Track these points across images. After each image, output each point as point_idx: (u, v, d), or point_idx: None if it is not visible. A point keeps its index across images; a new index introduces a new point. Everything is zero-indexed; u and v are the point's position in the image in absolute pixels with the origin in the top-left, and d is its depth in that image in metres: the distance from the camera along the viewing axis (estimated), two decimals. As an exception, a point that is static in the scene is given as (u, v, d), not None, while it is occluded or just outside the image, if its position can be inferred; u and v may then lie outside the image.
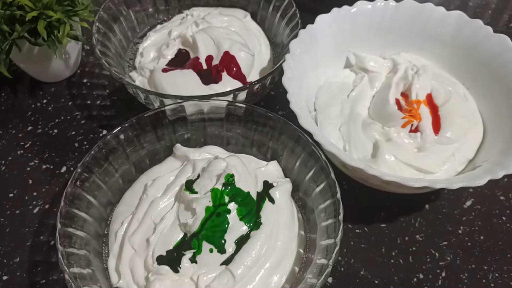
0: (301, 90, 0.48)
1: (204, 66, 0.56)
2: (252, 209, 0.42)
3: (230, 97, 0.49)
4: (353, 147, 0.47)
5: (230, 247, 0.40)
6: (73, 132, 0.57)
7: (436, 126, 0.48)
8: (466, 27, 0.51)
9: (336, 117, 0.50)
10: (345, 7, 0.52)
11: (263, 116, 0.46)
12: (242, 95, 0.50)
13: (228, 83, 0.53)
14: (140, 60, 0.59)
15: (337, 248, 0.37)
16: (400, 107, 0.48)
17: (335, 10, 0.52)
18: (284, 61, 0.47)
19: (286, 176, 0.47)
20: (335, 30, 0.52)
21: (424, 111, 0.48)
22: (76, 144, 0.55)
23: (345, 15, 0.52)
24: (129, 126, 0.45)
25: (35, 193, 0.51)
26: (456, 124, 0.47)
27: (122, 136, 0.45)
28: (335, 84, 0.53)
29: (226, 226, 0.40)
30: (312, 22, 0.51)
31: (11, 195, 0.51)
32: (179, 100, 0.47)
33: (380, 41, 0.54)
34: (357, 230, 0.48)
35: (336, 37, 0.52)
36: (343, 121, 0.49)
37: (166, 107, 0.46)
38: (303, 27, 0.51)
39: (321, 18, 0.51)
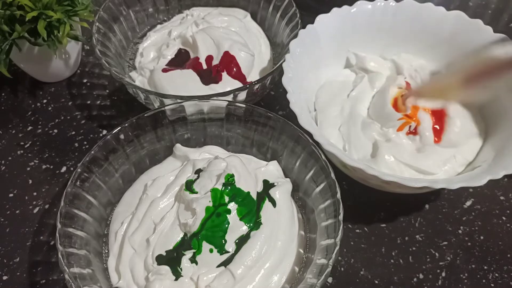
0: (301, 90, 0.48)
1: (204, 66, 0.56)
2: (252, 209, 0.42)
3: (230, 97, 0.49)
4: (353, 147, 0.47)
5: (230, 247, 0.40)
6: (73, 132, 0.57)
7: (438, 129, 0.48)
8: (466, 27, 0.50)
9: (336, 117, 0.50)
10: (345, 7, 0.52)
11: (263, 116, 0.46)
12: (242, 95, 0.50)
13: (228, 83, 0.53)
14: (140, 60, 0.59)
15: (337, 248, 0.37)
16: (397, 108, 0.48)
17: (335, 10, 0.52)
18: (284, 61, 0.47)
19: (286, 176, 0.47)
20: (335, 30, 0.52)
21: (424, 114, 0.48)
22: (76, 144, 0.55)
23: (345, 15, 0.52)
24: (129, 126, 0.45)
25: (35, 193, 0.51)
26: (458, 126, 0.47)
27: (122, 136, 0.45)
28: (335, 84, 0.53)
29: (226, 226, 0.40)
30: (312, 22, 0.51)
31: (11, 195, 0.51)
32: (179, 100, 0.47)
33: (381, 41, 0.54)
34: (357, 230, 0.48)
35: (336, 37, 0.52)
36: (343, 121, 0.49)
37: (166, 107, 0.46)
38: (303, 27, 0.51)
39: (321, 18, 0.51)
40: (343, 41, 0.53)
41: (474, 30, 0.50)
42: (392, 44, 0.54)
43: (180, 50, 0.59)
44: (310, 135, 0.42)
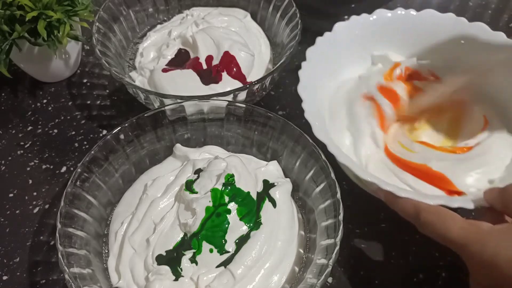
0: (316, 98, 0.46)
1: (204, 66, 0.56)
2: (252, 209, 0.42)
3: (230, 97, 0.49)
4: (360, 142, 0.47)
5: (230, 247, 0.40)
6: (73, 132, 0.57)
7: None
8: (488, 39, 0.48)
9: (345, 115, 0.49)
10: (364, 15, 0.51)
11: (263, 116, 0.46)
12: (242, 95, 0.50)
13: (228, 83, 0.53)
14: (140, 60, 0.59)
15: (337, 248, 0.37)
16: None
17: (353, 17, 0.51)
18: (300, 69, 0.46)
19: (286, 176, 0.47)
20: (353, 38, 0.51)
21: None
22: (76, 144, 0.55)
23: (364, 23, 0.51)
24: (129, 126, 0.45)
25: (35, 193, 0.51)
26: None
27: (122, 136, 0.45)
28: (348, 85, 0.52)
29: (226, 226, 0.40)
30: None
31: (11, 195, 0.51)
32: (179, 100, 0.47)
33: (400, 50, 0.53)
34: (357, 230, 0.48)
35: (354, 45, 0.51)
36: (352, 118, 0.48)
37: (166, 107, 0.46)
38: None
39: (339, 26, 0.50)
40: (361, 50, 0.52)
41: (496, 42, 0.48)
42: (412, 55, 0.53)
43: (180, 50, 0.59)
44: (310, 135, 0.42)
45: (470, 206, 0.37)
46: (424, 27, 0.51)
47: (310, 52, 0.48)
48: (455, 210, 0.36)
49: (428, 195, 0.38)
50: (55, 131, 0.57)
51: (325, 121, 0.48)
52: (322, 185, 0.42)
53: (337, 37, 0.50)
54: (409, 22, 0.51)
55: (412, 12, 0.51)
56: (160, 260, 0.40)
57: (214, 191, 0.41)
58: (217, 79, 0.54)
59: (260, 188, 0.44)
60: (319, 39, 0.49)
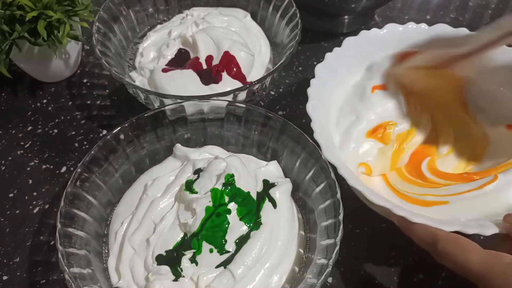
0: (326, 116, 0.45)
1: (204, 66, 0.56)
2: (252, 209, 0.42)
3: (230, 97, 0.49)
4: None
5: (230, 247, 0.40)
6: (73, 132, 0.57)
7: None
8: (501, 54, 0.47)
9: (349, 111, 0.48)
10: (374, 29, 0.50)
11: (263, 116, 0.46)
12: (242, 95, 0.50)
13: (228, 83, 0.53)
14: (140, 60, 0.59)
15: (337, 248, 0.37)
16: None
17: (363, 32, 0.49)
18: (309, 87, 0.44)
19: (286, 176, 0.47)
20: (363, 53, 0.50)
21: None
22: (76, 144, 0.55)
23: (373, 37, 0.49)
24: (129, 126, 0.45)
25: (35, 193, 0.51)
26: None
27: (122, 136, 0.45)
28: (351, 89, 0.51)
29: (226, 226, 0.40)
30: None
31: (11, 195, 0.51)
32: (179, 100, 0.47)
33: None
34: (357, 230, 0.48)
35: (364, 60, 0.50)
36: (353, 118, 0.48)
37: (166, 107, 0.46)
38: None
39: (348, 41, 0.49)
40: (371, 65, 0.51)
41: (508, 56, 0.47)
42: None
43: (180, 50, 0.59)
44: (310, 135, 0.42)
45: (487, 232, 0.35)
46: (436, 42, 0.49)
47: (319, 68, 0.46)
48: (470, 236, 0.35)
49: (442, 220, 0.37)
50: (55, 131, 0.57)
51: (334, 141, 0.46)
52: (322, 185, 0.42)
53: (347, 53, 0.48)
54: (420, 36, 0.50)
55: (424, 26, 0.50)
56: (160, 260, 0.40)
57: (214, 191, 0.41)
58: (217, 79, 0.54)
59: (260, 188, 0.44)
60: (328, 55, 0.48)
